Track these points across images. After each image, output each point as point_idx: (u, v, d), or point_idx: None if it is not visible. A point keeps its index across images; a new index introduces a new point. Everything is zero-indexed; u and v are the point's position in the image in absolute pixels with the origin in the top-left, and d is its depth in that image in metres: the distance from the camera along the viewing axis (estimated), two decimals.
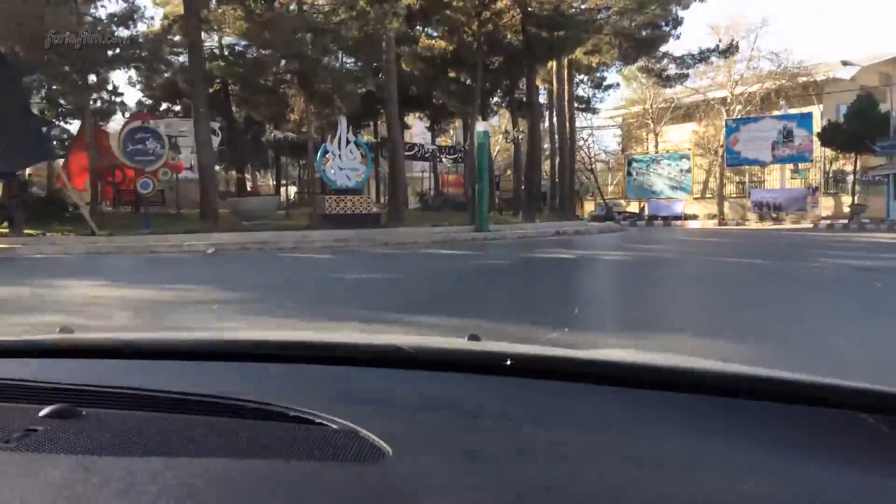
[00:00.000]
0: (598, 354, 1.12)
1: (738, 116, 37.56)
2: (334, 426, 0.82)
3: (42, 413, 0.85)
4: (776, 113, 36.87)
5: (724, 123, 37.66)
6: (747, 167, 38.51)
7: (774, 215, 35.81)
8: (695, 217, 39.02)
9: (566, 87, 27.58)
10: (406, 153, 43.51)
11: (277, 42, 18.62)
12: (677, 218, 38.51)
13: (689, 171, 39.55)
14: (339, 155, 20.04)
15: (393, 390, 0.97)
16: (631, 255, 15.48)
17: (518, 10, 22.39)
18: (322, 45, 18.72)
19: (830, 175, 37.15)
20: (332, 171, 20.00)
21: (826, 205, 36.02)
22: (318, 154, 20.30)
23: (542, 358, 1.07)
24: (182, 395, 0.92)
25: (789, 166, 36.91)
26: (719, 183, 38.19)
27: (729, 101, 38.29)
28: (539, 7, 22.20)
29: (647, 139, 44.28)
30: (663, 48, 28.45)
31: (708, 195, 41.89)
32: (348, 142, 20.21)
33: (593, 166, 45.61)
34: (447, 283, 10.15)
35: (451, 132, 44.91)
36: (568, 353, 1.07)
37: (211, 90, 24.39)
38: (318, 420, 0.83)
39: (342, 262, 14.06)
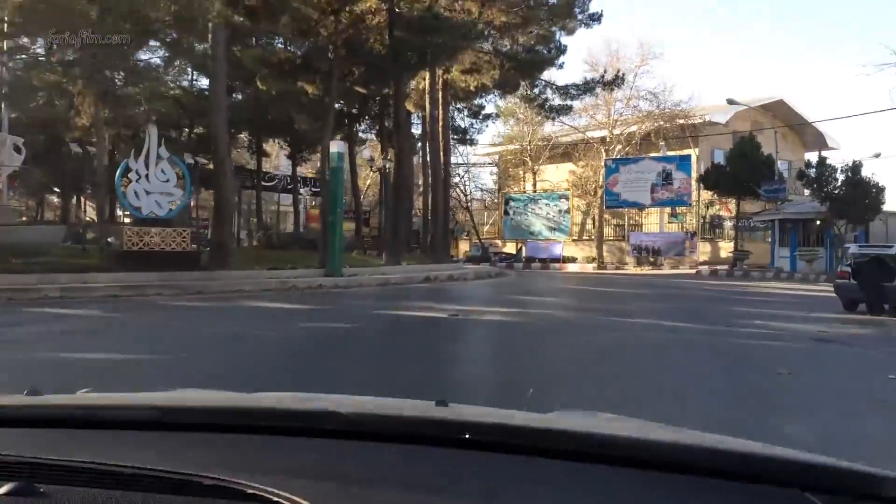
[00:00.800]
0: (563, 424, 1.14)
1: (618, 157, 35.99)
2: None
3: (1, 491, 0.85)
4: (655, 154, 35.62)
5: (603, 163, 35.97)
6: (626, 209, 36.98)
7: (652, 259, 34.25)
8: (573, 260, 36.95)
9: (441, 111, 24.41)
10: (265, 184, 39.20)
11: (52, 18, 14.11)
12: (555, 260, 36.30)
13: (567, 211, 37.55)
14: (146, 175, 15.58)
15: (353, 465, 0.96)
16: (516, 315, 12.05)
17: (384, 8, 18.89)
18: (114, 23, 14.26)
19: (707, 220, 36.16)
20: (135, 196, 15.51)
21: (703, 250, 34.87)
22: (118, 173, 15.77)
23: (503, 428, 1.07)
24: (141, 471, 0.90)
25: (667, 210, 35.63)
26: (598, 225, 36.32)
27: (608, 140, 36.74)
28: (409, 7, 18.85)
29: (525, 178, 42.18)
30: (546, 75, 26.09)
31: (586, 237, 40.13)
32: (160, 158, 15.81)
33: (469, 204, 42.88)
34: (241, 367, 6.27)
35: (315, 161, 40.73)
36: (534, 422, 1.10)
37: None
38: (276, 499, 0.83)
39: (92, 324, 9.79)
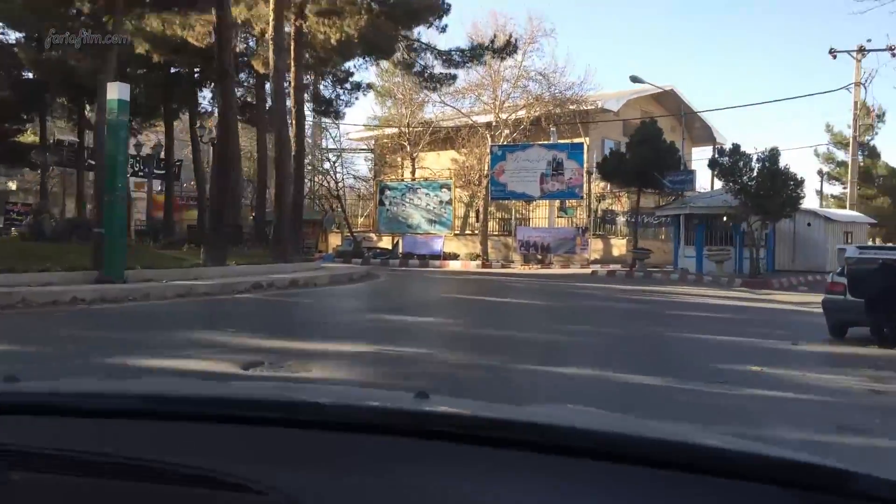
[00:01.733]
0: (544, 417, 1.17)
1: (505, 143, 32.35)
2: (281, 499, 0.81)
3: None
4: (545, 142, 32.28)
5: (488, 150, 32.23)
6: (513, 202, 33.49)
7: (541, 257, 30.93)
8: (455, 256, 33.09)
9: (293, 66, 19.36)
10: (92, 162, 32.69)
11: None
12: (436, 257, 32.31)
13: (449, 203, 33.58)
14: None
15: (334, 457, 0.95)
16: (371, 359, 7.54)
17: None
18: None
19: (599, 215, 33.26)
20: None
21: (595, 248, 31.91)
22: None
23: (490, 422, 1.06)
24: (119, 459, 0.89)
25: (557, 203, 32.43)
26: (483, 218, 32.57)
27: (494, 125, 33.07)
28: None
29: (403, 166, 37.85)
30: (425, 37, 21.78)
31: (469, 232, 36.40)
32: None
33: (340, 192, 38.03)
34: None
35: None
36: (516, 415, 1.14)
37: None
38: (257, 489, 0.81)
39: None
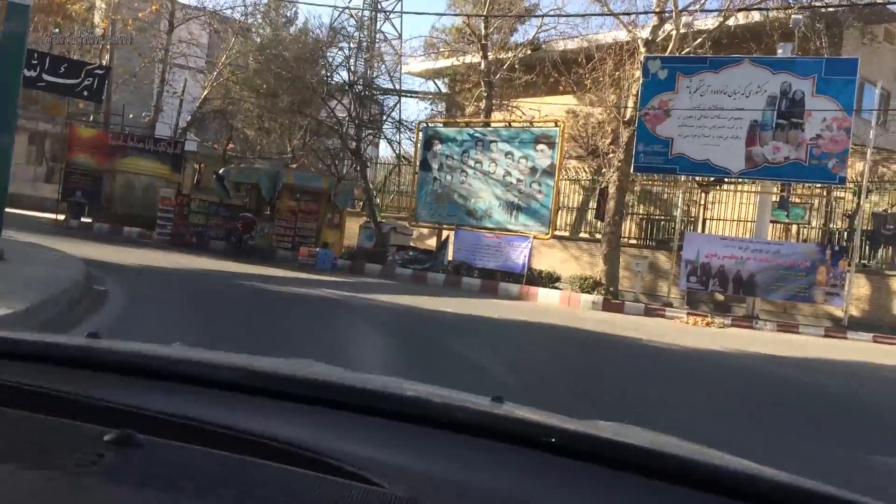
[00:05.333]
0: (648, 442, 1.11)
1: (674, 55, 15.89)
2: (399, 492, 0.81)
3: (107, 438, 0.86)
4: (767, 55, 15.59)
5: (639, 68, 15.85)
6: (677, 181, 17.01)
7: (745, 305, 14.45)
8: (553, 279, 16.89)
9: None
10: None
11: None
12: (515, 276, 16.47)
13: (550, 172, 17.26)
14: None
15: (452, 459, 0.96)
16: None
17: None
18: None
19: (868, 225, 16.15)
20: None
21: (859, 290, 14.96)
22: None
23: (588, 438, 1.07)
24: (242, 434, 0.91)
25: (777, 189, 15.76)
26: (614, 212, 16.18)
27: (647, 43, 16.53)
28: None
29: (477, 104, 21.63)
30: None
31: (583, 235, 20.04)
32: None
33: (363, 146, 22.44)
34: None
35: None
36: (615, 435, 1.08)
37: None
38: (383, 484, 0.82)
39: None
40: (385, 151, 27.73)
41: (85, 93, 19.59)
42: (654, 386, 6.98)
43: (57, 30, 22.12)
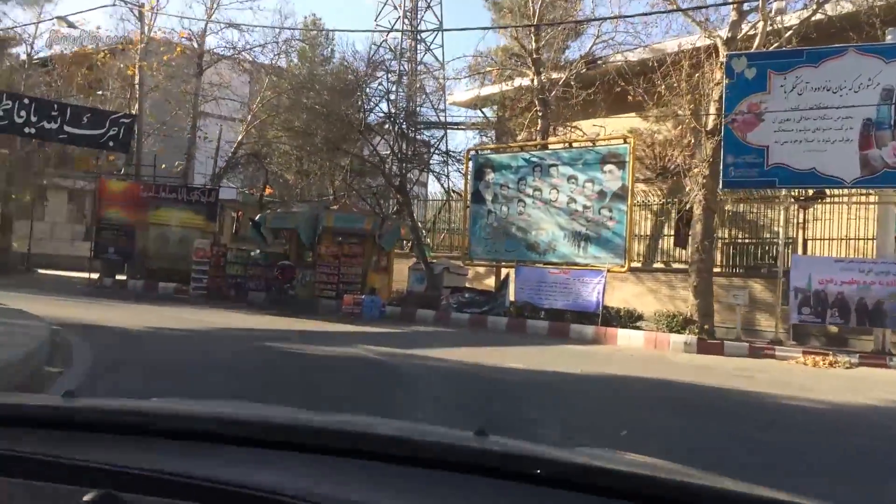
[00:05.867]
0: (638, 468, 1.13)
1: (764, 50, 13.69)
2: None
3: (86, 498, 0.84)
4: (877, 44, 13.26)
5: (720, 68, 13.67)
6: (779, 193, 14.56)
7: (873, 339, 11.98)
8: (634, 318, 14.57)
9: None
10: None
11: None
12: (585, 315, 14.29)
13: (621, 196, 15.08)
14: None
15: (436, 497, 0.96)
16: None
17: None
18: None
19: None
20: None
21: None
22: None
23: (575, 467, 1.07)
24: (227, 486, 0.90)
25: None
26: (702, 234, 13.88)
27: (725, 43, 14.38)
28: None
29: (530, 129, 19.70)
30: None
31: (659, 265, 17.76)
32: None
33: (411, 183, 20.69)
34: None
35: None
36: (605, 462, 1.11)
37: None
38: None
39: None
40: (433, 187, 25.96)
41: (111, 143, 18.37)
42: (846, 480, 4.69)
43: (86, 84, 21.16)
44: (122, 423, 1.16)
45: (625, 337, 13.92)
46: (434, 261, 19.29)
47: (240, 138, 22.73)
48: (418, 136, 22.41)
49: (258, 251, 20.50)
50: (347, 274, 18.97)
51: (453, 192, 21.62)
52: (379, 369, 8.41)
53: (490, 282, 19.54)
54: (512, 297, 16.25)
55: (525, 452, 1.14)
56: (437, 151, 21.68)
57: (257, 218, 19.85)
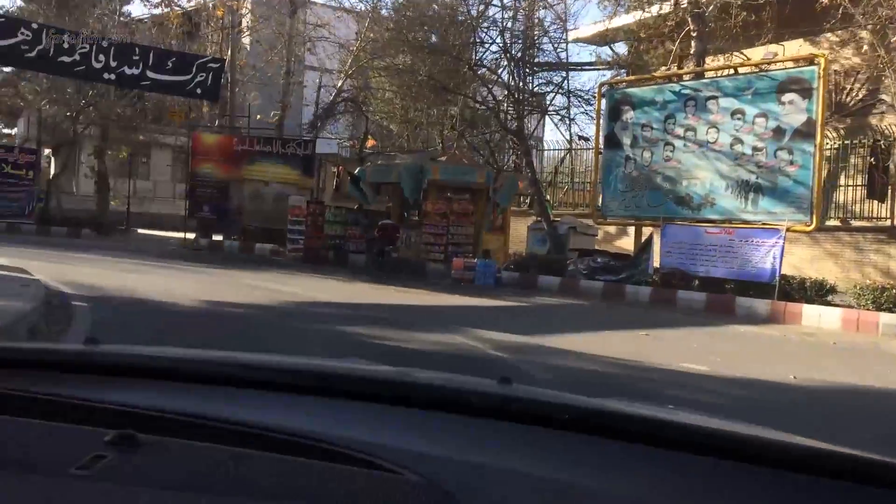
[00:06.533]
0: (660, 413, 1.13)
1: None
2: (414, 478, 0.79)
3: (106, 439, 0.84)
4: None
5: None
6: None
7: None
8: (824, 290, 11.19)
9: None
10: None
11: None
12: (754, 285, 11.12)
13: (807, 132, 11.53)
14: None
15: (466, 441, 0.94)
16: None
17: None
18: None
19: None
20: None
21: None
22: None
23: (600, 413, 1.06)
24: (246, 427, 0.89)
25: None
26: None
27: None
28: None
29: (675, 65, 16.24)
30: None
31: (832, 222, 14.15)
32: None
33: (523, 128, 17.81)
34: None
35: None
36: (631, 410, 1.08)
37: None
38: (398, 470, 0.80)
39: None
40: (550, 136, 22.95)
41: (198, 90, 16.60)
42: None
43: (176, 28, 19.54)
44: (146, 367, 1.15)
45: (812, 315, 10.71)
46: (558, 219, 16.46)
47: (340, 84, 20.58)
48: (537, 76, 19.45)
49: (358, 209, 18.43)
50: (457, 234, 16.55)
51: (579, 138, 18.55)
52: (501, 373, 5.90)
53: (624, 243, 16.58)
54: (656, 263, 13.27)
55: (551, 399, 1.12)
56: (560, 91, 18.56)
57: (357, 172, 17.71)
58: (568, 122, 18.38)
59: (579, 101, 17.42)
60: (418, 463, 0.81)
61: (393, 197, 18.10)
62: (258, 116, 20.48)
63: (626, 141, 14.18)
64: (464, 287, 13.75)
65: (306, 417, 0.96)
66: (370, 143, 21.25)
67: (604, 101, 14.68)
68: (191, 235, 19.69)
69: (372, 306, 9.56)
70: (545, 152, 22.54)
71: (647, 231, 14.00)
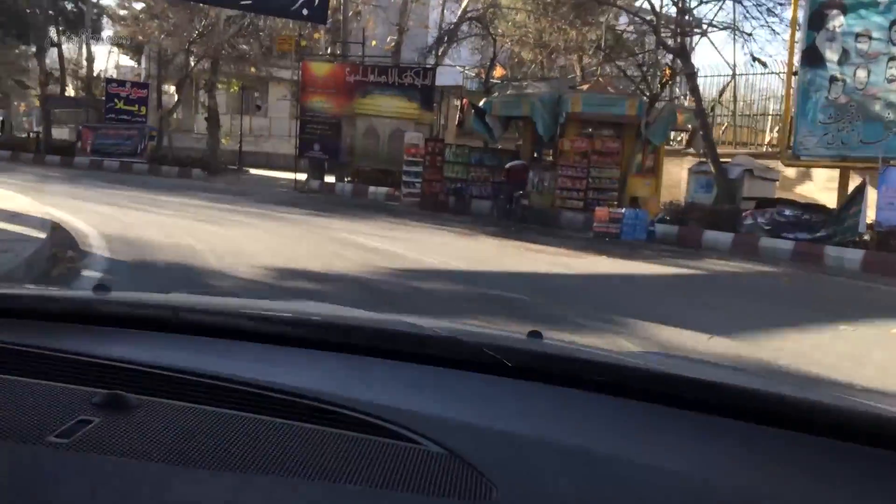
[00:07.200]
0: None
1: None
2: (434, 449, 0.70)
3: (94, 401, 0.76)
4: None
5: None
6: None
7: None
8: None
9: None
10: None
11: None
12: None
13: None
14: None
15: (492, 405, 0.84)
16: None
17: None
18: None
19: None
20: None
21: None
22: None
23: (641, 373, 0.95)
24: (250, 388, 0.80)
25: None
26: None
27: None
28: None
29: None
30: None
31: None
32: None
33: (686, 46, 14.52)
34: None
35: None
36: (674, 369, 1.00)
37: None
38: (416, 439, 0.72)
39: None
40: (704, 60, 19.36)
41: (304, 11, 14.61)
42: None
43: None
44: (150, 317, 1.06)
45: None
46: (728, 160, 13.32)
47: (465, 3, 17.97)
48: None
49: (483, 147, 16.04)
50: (600, 178, 13.86)
51: (754, 59, 15.03)
52: None
53: (807, 190, 13.28)
54: (869, 219, 10.09)
55: (590, 356, 1.00)
56: None
57: (481, 104, 15.24)
58: (742, 38, 14.79)
59: (759, 12, 13.83)
60: (437, 430, 0.72)
61: (524, 133, 15.57)
62: (373, 43, 18.31)
63: (832, 57, 10.82)
64: (609, 243, 11.19)
65: (316, 376, 0.86)
66: (498, 72, 18.60)
67: (801, 4, 11.27)
68: (302, 176, 18.11)
69: (497, 277, 7.22)
70: (702, 79, 18.99)
71: (861, 177, 10.71)
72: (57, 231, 6.44)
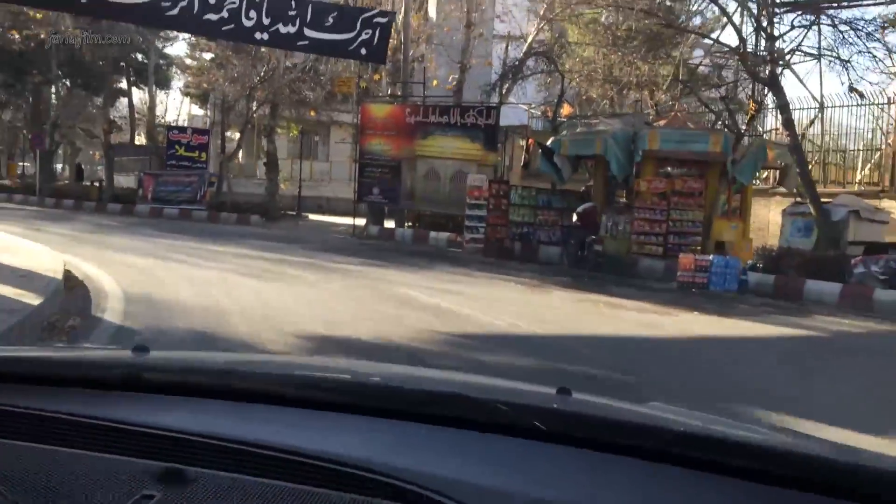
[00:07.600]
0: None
1: None
2: None
3: (153, 475, 0.76)
4: None
5: None
6: None
7: None
8: None
9: None
10: None
11: None
12: None
13: None
14: None
15: (529, 470, 0.82)
16: None
17: None
18: None
19: None
20: None
21: None
22: None
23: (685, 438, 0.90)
24: (297, 457, 0.79)
25: None
26: None
27: None
28: None
29: None
30: None
31: None
32: None
33: (776, 75, 13.14)
34: None
35: None
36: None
37: None
38: (430, 497, 0.72)
39: None
40: (794, 92, 17.90)
41: (363, 50, 13.80)
42: None
43: None
44: (196, 384, 1.02)
45: None
46: (829, 200, 11.87)
47: (530, 39, 17.13)
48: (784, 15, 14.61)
49: (552, 189, 14.99)
50: (681, 221, 12.56)
51: (851, 90, 13.56)
52: None
53: None
54: None
55: (627, 418, 0.97)
56: (822, 23, 13.53)
57: (549, 143, 14.23)
58: (841, 66, 13.33)
59: (858, 36, 12.44)
60: (477, 498, 0.72)
61: (595, 173, 14.45)
62: (434, 83, 17.63)
63: None
64: (697, 295, 9.93)
65: (359, 441, 0.85)
66: (566, 109, 17.60)
67: None
68: (360, 221, 17.40)
69: (576, 344, 6.08)
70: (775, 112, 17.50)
71: None
72: (73, 291, 5.70)
